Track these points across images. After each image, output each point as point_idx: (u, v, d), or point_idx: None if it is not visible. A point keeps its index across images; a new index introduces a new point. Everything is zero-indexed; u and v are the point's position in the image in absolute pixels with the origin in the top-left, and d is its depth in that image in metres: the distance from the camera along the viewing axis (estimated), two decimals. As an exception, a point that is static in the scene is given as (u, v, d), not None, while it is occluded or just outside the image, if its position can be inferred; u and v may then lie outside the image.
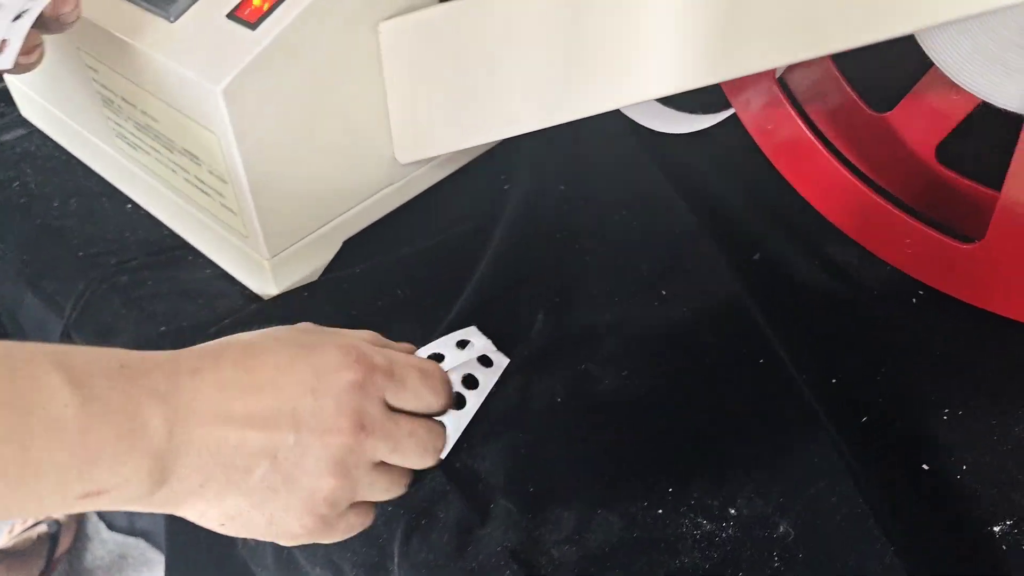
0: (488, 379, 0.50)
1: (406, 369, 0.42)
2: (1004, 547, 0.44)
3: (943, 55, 0.38)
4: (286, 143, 0.50)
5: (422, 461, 0.42)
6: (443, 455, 0.47)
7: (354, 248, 0.60)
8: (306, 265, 0.57)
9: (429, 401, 0.43)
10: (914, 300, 0.55)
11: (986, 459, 0.47)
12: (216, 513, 0.36)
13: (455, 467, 0.48)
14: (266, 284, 0.55)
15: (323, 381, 0.37)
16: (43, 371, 0.31)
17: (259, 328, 0.40)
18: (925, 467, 0.47)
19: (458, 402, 0.48)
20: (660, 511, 0.45)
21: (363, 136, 0.55)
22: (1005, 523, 0.45)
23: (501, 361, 0.51)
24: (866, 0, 0.35)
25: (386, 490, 0.41)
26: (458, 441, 0.48)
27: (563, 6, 0.44)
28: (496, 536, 0.44)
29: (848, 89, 0.46)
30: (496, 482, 0.47)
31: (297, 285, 0.57)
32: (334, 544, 0.45)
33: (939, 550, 0.44)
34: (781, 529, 0.44)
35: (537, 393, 0.51)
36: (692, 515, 0.45)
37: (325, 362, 0.38)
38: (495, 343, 0.53)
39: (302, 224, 0.54)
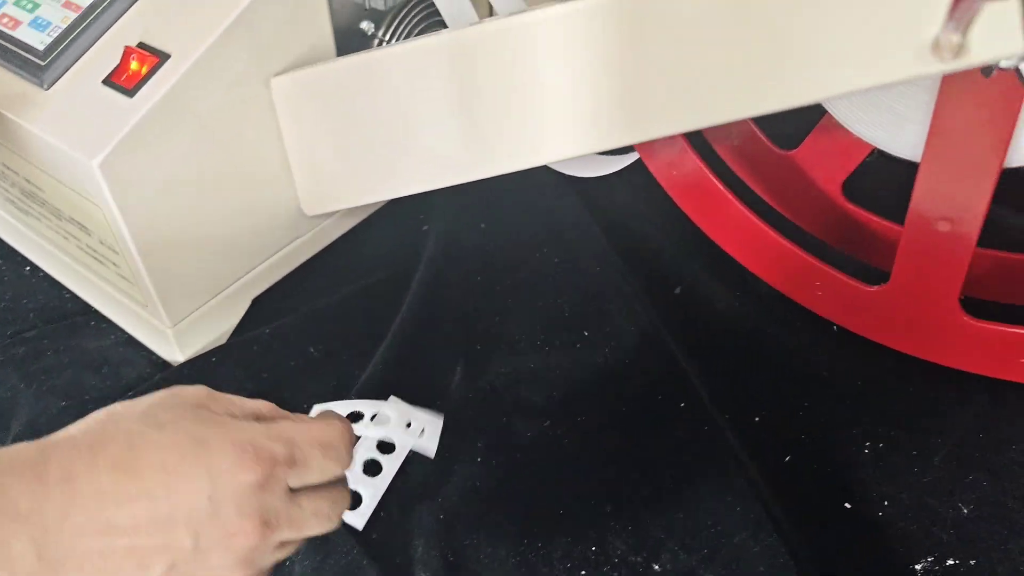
0: (405, 441, 0.48)
1: (307, 450, 0.39)
2: (926, 585, 0.44)
3: (837, 107, 0.37)
4: (177, 209, 0.47)
5: (325, 530, 0.40)
6: (361, 526, 0.45)
7: (264, 305, 0.58)
8: (213, 328, 0.54)
9: (334, 471, 0.40)
10: (835, 327, 0.55)
11: (906, 494, 0.47)
12: None
13: (372, 538, 0.46)
14: (171, 351, 0.53)
15: (220, 485, 0.34)
16: None
17: None
18: (847, 506, 0.47)
19: (374, 468, 0.47)
20: (583, 573, 0.44)
21: (265, 191, 0.53)
22: (927, 560, 0.45)
23: (419, 421, 0.49)
24: (762, 75, 0.34)
25: (292, 552, 0.39)
26: (375, 511, 0.47)
27: (458, 73, 0.42)
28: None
29: (755, 129, 0.45)
30: (414, 553, 0.45)
31: (206, 349, 0.54)
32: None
33: (807, 515, 0.43)
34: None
35: (458, 454, 0.49)
36: (616, 574, 0.44)
37: (220, 463, 0.34)
38: (413, 400, 0.51)
39: (204, 288, 0.52)
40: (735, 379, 0.53)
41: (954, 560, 0.44)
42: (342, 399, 0.52)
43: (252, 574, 0.36)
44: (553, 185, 0.66)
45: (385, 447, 0.47)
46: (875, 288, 0.40)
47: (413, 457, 0.48)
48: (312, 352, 0.55)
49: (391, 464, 0.47)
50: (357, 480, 0.47)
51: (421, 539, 0.45)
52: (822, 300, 0.43)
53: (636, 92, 0.36)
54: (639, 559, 0.45)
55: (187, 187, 0.47)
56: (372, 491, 0.46)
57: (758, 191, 0.45)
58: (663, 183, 0.44)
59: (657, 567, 0.44)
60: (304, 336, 0.56)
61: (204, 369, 0.53)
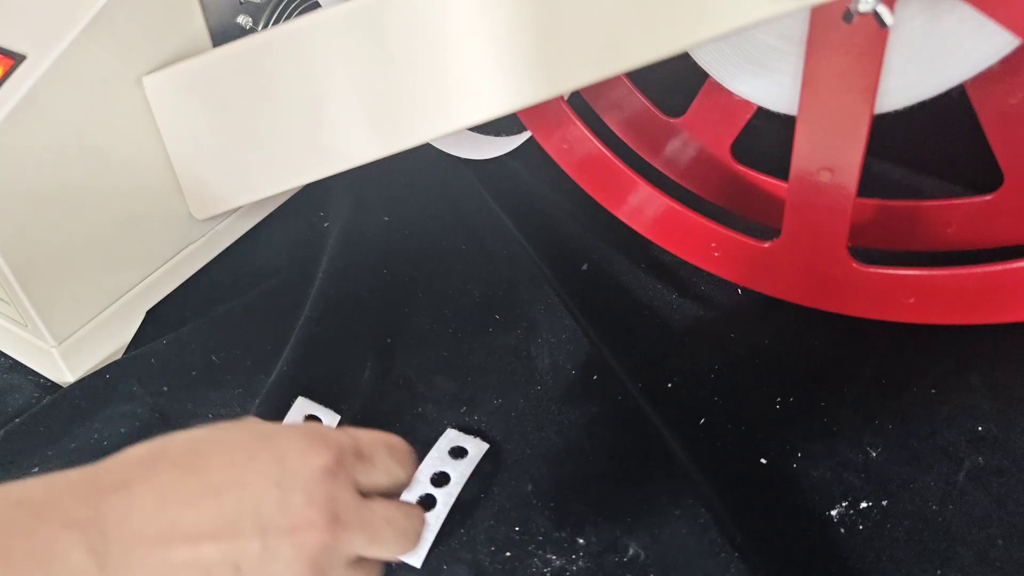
0: (461, 472, 0.45)
1: (373, 445, 0.36)
2: (842, 530, 0.45)
3: (712, 64, 0.37)
4: (50, 221, 0.45)
5: (402, 548, 0.36)
6: (419, 563, 0.42)
7: (160, 316, 0.55)
8: (105, 344, 0.52)
9: (399, 476, 0.37)
10: (739, 292, 0.56)
11: (817, 444, 0.48)
12: None
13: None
14: (59, 372, 0.50)
15: (289, 470, 0.31)
16: None
17: (62, 425, 0.34)
18: (763, 461, 0.48)
19: (428, 503, 0.44)
20: (508, 554, 0.44)
21: (148, 197, 0.50)
22: (841, 505, 0.46)
23: (478, 449, 0.46)
24: (643, 20, 0.34)
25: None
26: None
27: (348, 46, 0.41)
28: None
29: (641, 98, 0.45)
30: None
31: (98, 367, 0.52)
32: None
33: (781, 545, 0.44)
34: (631, 552, 0.44)
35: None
36: (541, 552, 0.44)
37: (289, 448, 0.32)
38: (323, 400, 0.50)
39: (90, 302, 0.49)
40: (645, 349, 0.53)
41: (867, 503, 0.45)
42: (249, 406, 0.50)
43: None
44: (454, 173, 0.65)
45: (440, 479, 0.45)
46: (768, 244, 0.41)
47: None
48: (214, 360, 0.53)
49: (447, 497, 0.44)
50: None
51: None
52: (720, 262, 0.43)
53: (540, 42, 0.35)
54: (563, 535, 0.44)
55: (58, 197, 0.45)
56: (429, 527, 0.43)
57: (650, 160, 0.45)
58: (558, 159, 0.44)
59: (582, 540, 0.44)
60: (204, 344, 0.53)
61: (98, 388, 0.51)
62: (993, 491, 0.46)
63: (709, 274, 0.57)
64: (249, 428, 0.33)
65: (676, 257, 0.58)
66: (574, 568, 0.43)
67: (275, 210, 0.62)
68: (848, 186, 0.37)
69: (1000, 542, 0.44)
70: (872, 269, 0.39)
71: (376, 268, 0.58)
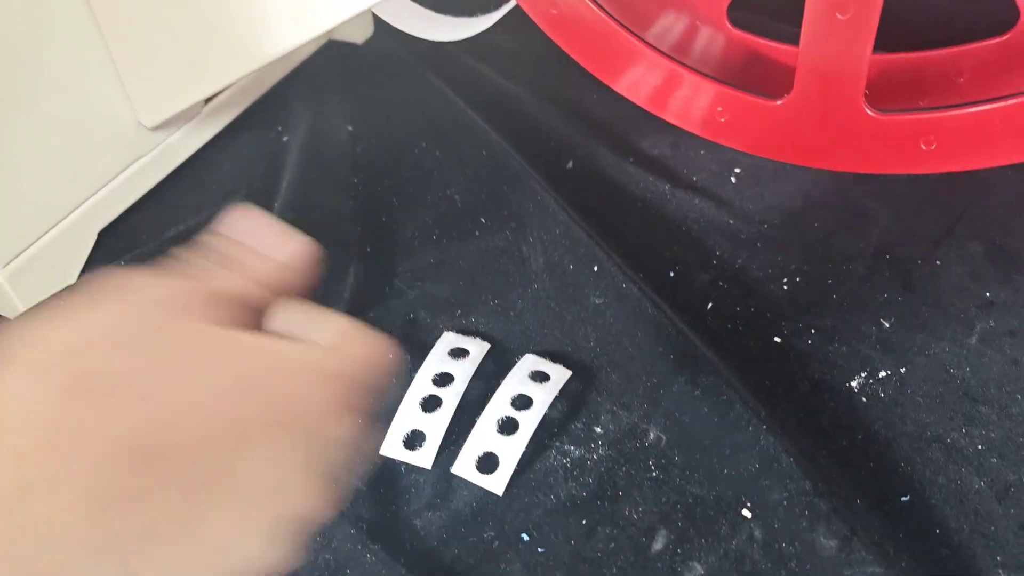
0: (543, 398, 0.41)
1: None
2: (864, 399, 0.43)
3: None
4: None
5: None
6: (501, 490, 0.39)
7: (114, 238, 0.50)
8: (55, 268, 0.47)
9: None
10: (732, 180, 0.54)
11: (829, 320, 0.46)
12: None
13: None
14: (7, 300, 0.45)
15: None
16: None
17: None
18: (777, 340, 0.46)
19: (510, 427, 0.40)
20: (524, 450, 0.41)
21: (91, 102, 0.45)
22: (860, 376, 0.44)
23: (561, 375, 0.43)
24: None
25: None
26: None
27: None
28: (348, 518, 0.38)
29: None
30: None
31: (50, 294, 0.46)
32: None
33: (806, 418, 0.42)
34: (652, 436, 0.41)
35: (363, 355, 0.45)
36: (558, 443, 0.41)
37: None
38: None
39: (33, 219, 0.44)
40: (642, 240, 0.51)
41: (885, 372, 0.44)
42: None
43: None
44: (419, 81, 0.61)
45: (522, 402, 0.41)
46: (780, 102, 0.39)
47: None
48: (178, 280, 0.48)
49: (529, 422, 0.40)
50: (492, 440, 0.40)
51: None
52: (727, 127, 0.41)
53: None
54: (579, 425, 0.42)
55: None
56: (511, 453, 0.39)
57: (640, 35, 0.43)
58: (545, 27, 0.41)
59: (599, 429, 0.42)
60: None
61: (51, 315, 0.46)
62: (1007, 352, 0.45)
63: (701, 165, 0.55)
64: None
65: (664, 150, 0.56)
66: (594, 457, 0.41)
67: (229, 127, 0.57)
68: (867, 23, 0.35)
69: (1019, 397, 0.43)
70: (891, 117, 0.37)
71: (345, 179, 0.54)
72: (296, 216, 0.50)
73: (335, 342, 0.26)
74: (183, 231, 0.51)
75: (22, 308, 0.45)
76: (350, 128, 0.57)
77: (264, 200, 0.53)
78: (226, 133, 0.56)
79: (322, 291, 0.47)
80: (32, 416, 0.20)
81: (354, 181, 0.54)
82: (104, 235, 0.50)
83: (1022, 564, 0.37)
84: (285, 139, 0.57)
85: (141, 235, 0.50)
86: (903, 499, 0.39)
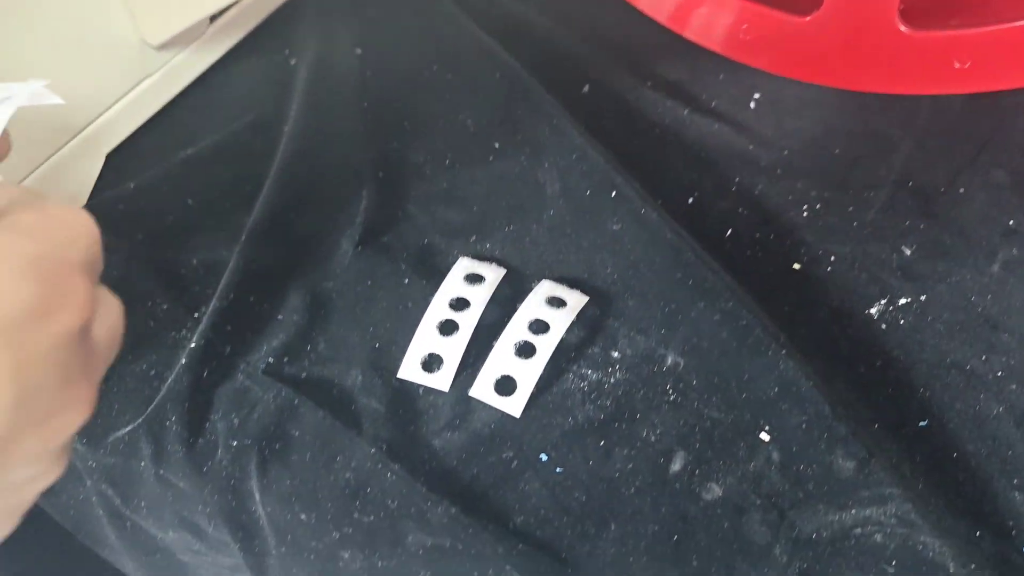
0: (560, 323, 0.41)
1: None
2: (883, 326, 0.43)
3: None
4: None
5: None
6: (519, 413, 0.39)
7: (121, 161, 0.49)
8: (63, 192, 0.46)
9: None
10: (752, 106, 0.53)
11: (849, 248, 0.46)
12: None
13: (301, 377, 0.41)
14: (15, 222, 0.44)
15: None
16: None
17: None
18: (796, 266, 0.45)
19: (527, 351, 0.40)
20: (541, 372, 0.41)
21: (96, 20, 0.44)
22: (879, 303, 0.44)
23: (578, 301, 0.42)
24: None
25: None
26: (301, 347, 0.41)
27: None
28: (367, 439, 0.38)
29: None
30: (352, 382, 0.40)
31: (58, 217, 0.46)
32: (183, 500, 0.37)
33: (825, 344, 0.42)
34: (669, 361, 0.41)
35: (381, 276, 0.44)
36: (575, 367, 0.41)
37: None
38: (315, 231, 0.45)
39: (40, 142, 0.43)
40: (659, 166, 0.50)
41: (905, 299, 0.44)
42: (232, 249, 0.45)
43: None
44: (428, 2, 0.59)
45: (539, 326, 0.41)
46: (809, 18, 0.38)
47: (342, 276, 0.43)
48: (190, 203, 0.48)
49: (546, 346, 0.40)
50: (510, 364, 0.40)
51: (358, 367, 0.40)
52: (751, 46, 0.40)
53: None
54: (596, 350, 0.41)
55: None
56: (528, 376, 0.39)
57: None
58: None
59: (616, 354, 0.41)
60: (176, 188, 0.48)
61: (61, 238, 0.45)
62: (1029, 280, 0.44)
63: (720, 90, 0.53)
64: None
65: (682, 74, 0.55)
66: (612, 380, 0.40)
67: (236, 49, 0.55)
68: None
69: (1041, 327, 0.43)
70: (925, 34, 0.36)
71: (354, 103, 0.53)
72: (308, 141, 0.49)
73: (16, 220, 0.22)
74: (191, 155, 0.50)
75: (31, 231, 0.45)
76: (359, 51, 0.56)
77: (273, 124, 0.51)
78: (232, 55, 0.55)
79: (332, 217, 0.47)
80: None
81: (364, 106, 0.53)
82: (112, 157, 0.49)
83: (1038, 487, 0.37)
84: (293, 62, 0.56)
85: (149, 158, 0.50)
86: (921, 424, 0.39)
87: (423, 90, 0.54)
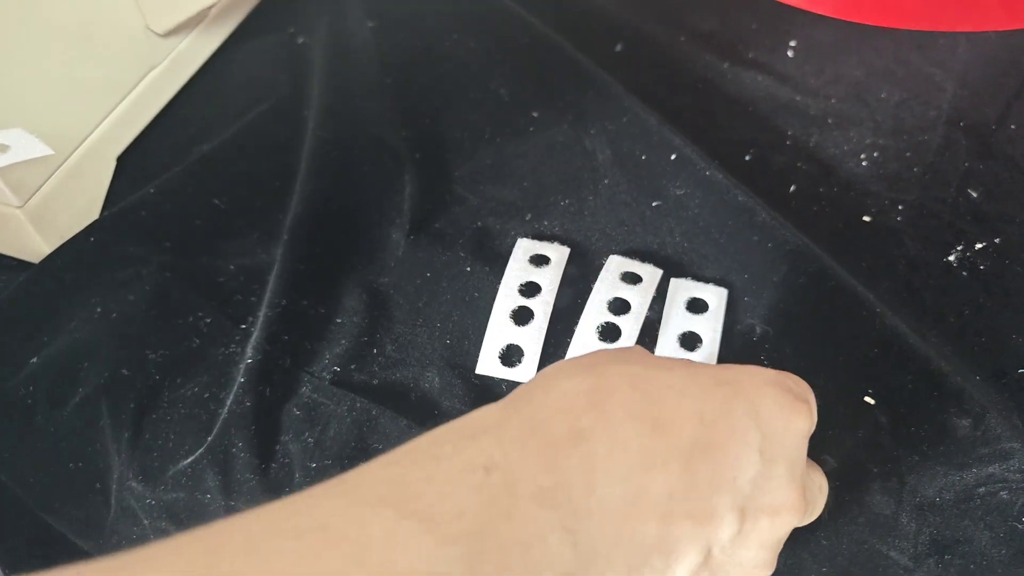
0: (642, 304, 0.39)
1: (812, 400, 0.28)
2: (964, 273, 0.42)
3: None
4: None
5: (811, 518, 0.29)
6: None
7: (135, 165, 0.45)
8: (76, 201, 0.42)
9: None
10: (790, 54, 0.51)
11: (915, 194, 0.44)
12: None
13: (373, 384, 0.38)
14: (30, 242, 0.40)
15: (771, 436, 0.24)
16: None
17: (48, 305, 0.24)
18: (866, 219, 0.44)
19: (612, 333, 0.38)
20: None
21: (100, 10, 0.39)
22: (956, 250, 0.43)
23: (653, 275, 0.40)
24: None
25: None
26: (367, 351, 0.39)
27: None
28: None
29: None
30: (429, 385, 0.38)
31: (75, 231, 0.42)
32: None
33: (908, 296, 0.41)
34: (759, 331, 0.39)
35: (440, 266, 0.41)
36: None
37: (766, 406, 0.25)
38: (360, 222, 0.42)
39: (49, 147, 0.39)
40: (709, 122, 0.48)
41: (981, 243, 0.42)
42: (274, 249, 0.42)
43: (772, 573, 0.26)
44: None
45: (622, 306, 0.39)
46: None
47: (388, 285, 0.40)
48: (217, 204, 0.44)
49: (631, 326, 0.38)
50: (595, 349, 0.38)
51: (433, 367, 0.38)
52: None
53: None
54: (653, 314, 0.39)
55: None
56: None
57: None
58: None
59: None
60: (200, 188, 0.44)
61: (84, 254, 0.41)
62: (1096, 212, 0.44)
63: (754, 39, 0.51)
64: (697, 371, 0.25)
65: (714, 25, 0.52)
66: (700, 358, 0.38)
67: (239, 33, 0.51)
68: None
69: (1116, 257, 0.42)
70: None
71: (376, 80, 0.49)
72: (337, 125, 0.46)
73: None
74: (210, 151, 0.46)
75: (47, 250, 0.41)
76: (371, 24, 0.52)
77: (292, 110, 0.48)
78: (236, 40, 0.51)
79: (379, 205, 0.44)
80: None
81: (387, 82, 0.49)
82: (123, 161, 0.45)
83: None
84: (300, 41, 0.52)
85: (163, 158, 0.45)
86: (1020, 371, 0.38)
87: (447, 61, 0.50)
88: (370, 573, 0.19)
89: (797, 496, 0.24)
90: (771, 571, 0.25)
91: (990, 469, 0.34)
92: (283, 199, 0.44)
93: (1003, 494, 0.34)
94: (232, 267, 0.42)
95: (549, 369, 0.26)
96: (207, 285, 0.41)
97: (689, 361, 0.26)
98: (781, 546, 0.25)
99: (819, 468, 0.29)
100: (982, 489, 0.34)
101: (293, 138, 0.46)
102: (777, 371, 0.27)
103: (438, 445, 0.22)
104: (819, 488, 0.28)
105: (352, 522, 0.20)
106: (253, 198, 0.44)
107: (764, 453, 0.24)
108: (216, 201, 0.44)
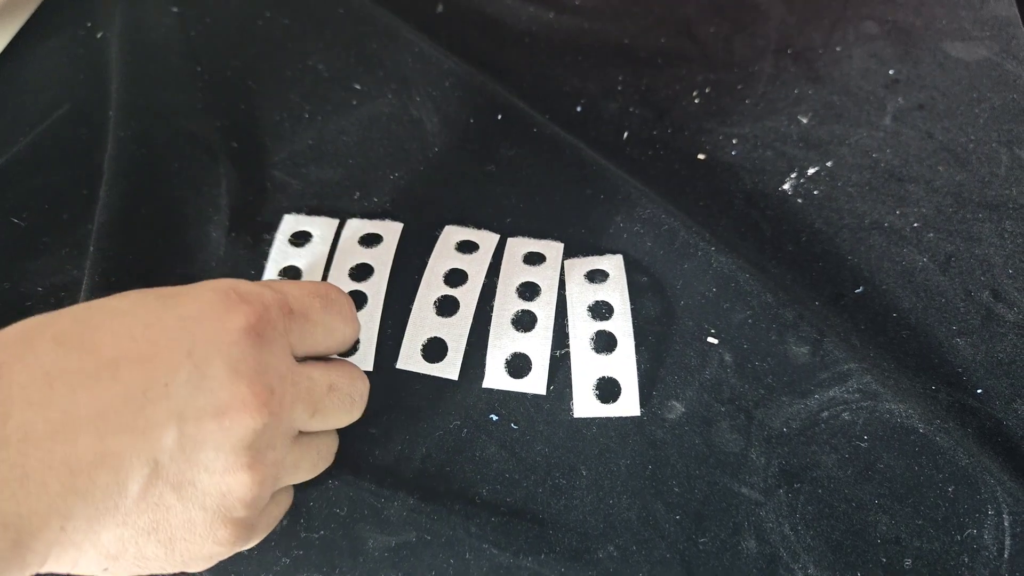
0: (479, 270, 0.37)
1: (305, 298, 0.28)
2: (799, 200, 0.42)
3: None
4: None
5: (348, 417, 0.30)
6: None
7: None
8: None
9: (342, 333, 0.30)
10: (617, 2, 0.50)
11: (747, 127, 0.44)
12: (93, 557, 0.24)
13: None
14: None
15: (202, 336, 0.24)
16: None
17: None
18: (701, 156, 0.43)
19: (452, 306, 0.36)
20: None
21: None
22: (791, 177, 0.43)
23: (489, 241, 0.38)
24: None
25: (314, 465, 0.30)
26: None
27: None
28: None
29: None
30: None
31: None
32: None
33: (747, 230, 0.40)
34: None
35: (253, 255, 0.39)
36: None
37: (199, 310, 0.25)
38: (174, 224, 0.39)
39: None
40: (537, 75, 0.46)
41: (813, 168, 0.43)
42: (83, 265, 0.39)
43: (262, 476, 0.25)
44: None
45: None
46: None
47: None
48: (17, 223, 0.40)
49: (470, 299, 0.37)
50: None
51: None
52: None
53: None
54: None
55: None
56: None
57: None
58: None
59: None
60: (-6, 207, 0.40)
61: None
62: (920, 126, 0.44)
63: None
64: (146, 292, 0.26)
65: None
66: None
67: (29, 29, 0.47)
68: None
69: (940, 169, 0.43)
70: None
71: (184, 70, 0.46)
72: (139, 122, 0.42)
73: None
74: (5, 164, 0.42)
75: None
76: (175, 10, 0.48)
77: (95, 111, 0.44)
78: (25, 40, 0.46)
79: (196, 200, 0.41)
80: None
81: (197, 70, 0.46)
82: (-98, 187, 0.41)
83: (973, 328, 0.37)
84: (100, 35, 0.48)
85: (-51, 178, 0.41)
86: (857, 291, 0.38)
87: (260, 41, 0.48)
88: None
89: (246, 392, 0.25)
90: (255, 475, 0.25)
91: (831, 392, 0.35)
92: (92, 209, 0.41)
93: (845, 415, 0.34)
94: (40, 289, 0.39)
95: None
96: (15, 311, 0.38)
97: (152, 290, 0.26)
98: (257, 448, 0.25)
99: (342, 368, 0.30)
100: (825, 413, 0.34)
101: (97, 141, 0.43)
102: (235, 280, 0.27)
103: None
104: (327, 387, 0.29)
105: None
106: (58, 211, 0.41)
107: (194, 355, 0.24)
108: (14, 220, 0.40)
